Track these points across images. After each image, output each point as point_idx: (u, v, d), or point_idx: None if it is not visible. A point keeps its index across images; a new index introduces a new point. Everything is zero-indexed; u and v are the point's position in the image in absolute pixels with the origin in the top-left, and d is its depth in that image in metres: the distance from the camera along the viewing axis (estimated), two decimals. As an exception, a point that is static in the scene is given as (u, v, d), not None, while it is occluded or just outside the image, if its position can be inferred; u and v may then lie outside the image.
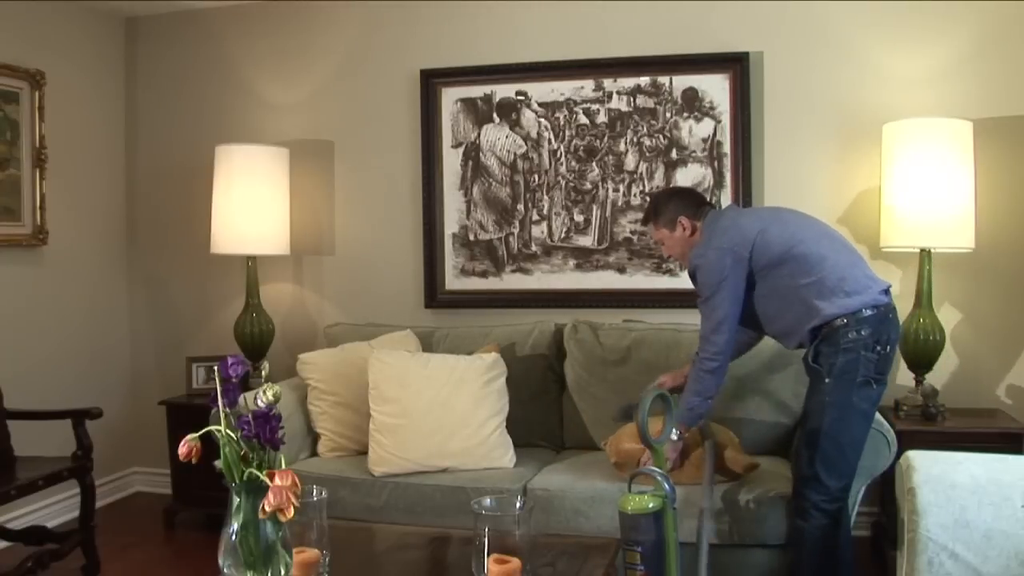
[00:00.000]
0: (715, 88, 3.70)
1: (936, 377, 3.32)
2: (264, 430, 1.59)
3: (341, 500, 3.07)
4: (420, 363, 3.33)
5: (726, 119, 3.70)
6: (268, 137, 4.17)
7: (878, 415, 2.86)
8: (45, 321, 3.99)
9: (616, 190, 3.83)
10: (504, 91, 3.93)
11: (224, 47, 4.32)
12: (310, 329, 4.23)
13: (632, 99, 3.80)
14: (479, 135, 3.98)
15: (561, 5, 3.86)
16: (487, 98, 3.96)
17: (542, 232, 3.93)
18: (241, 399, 1.67)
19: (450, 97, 4.00)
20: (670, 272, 3.78)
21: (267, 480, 1.53)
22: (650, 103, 3.78)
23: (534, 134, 3.92)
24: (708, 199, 3.26)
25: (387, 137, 4.11)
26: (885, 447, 2.76)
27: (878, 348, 2.54)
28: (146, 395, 4.35)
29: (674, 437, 2.76)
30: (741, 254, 2.66)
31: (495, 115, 3.95)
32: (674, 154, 3.76)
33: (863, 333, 2.52)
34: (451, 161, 4.02)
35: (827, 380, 2.54)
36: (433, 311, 4.06)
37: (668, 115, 3.76)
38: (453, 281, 4.05)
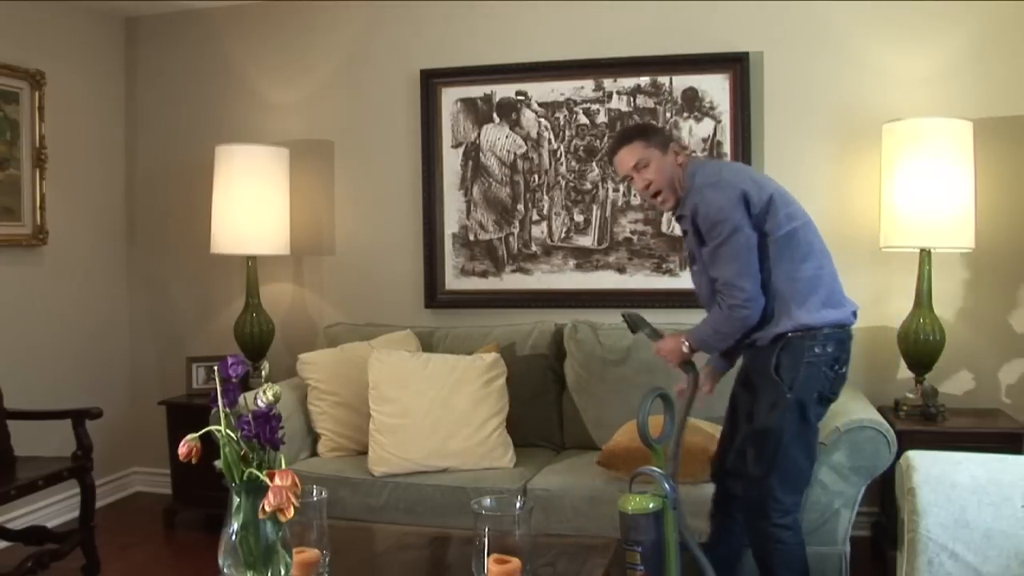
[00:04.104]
0: (715, 88, 3.70)
1: (936, 377, 3.32)
2: (264, 430, 1.59)
3: (341, 500, 3.07)
4: (420, 363, 3.33)
5: (726, 119, 3.69)
6: (268, 137, 4.17)
7: (878, 415, 2.87)
8: (45, 321, 3.99)
9: (616, 190, 3.82)
10: (504, 91, 3.93)
11: (224, 47, 4.32)
12: (310, 329, 4.23)
13: (632, 99, 3.80)
14: (479, 135, 3.98)
15: (561, 5, 3.86)
16: (487, 98, 3.96)
17: (542, 232, 3.93)
18: (241, 399, 1.67)
19: (450, 97, 4.00)
20: (670, 272, 3.78)
21: (267, 480, 1.53)
22: (650, 103, 3.78)
23: (534, 134, 3.92)
24: None
25: (387, 137, 4.11)
26: (885, 447, 2.76)
27: (836, 367, 2.47)
28: (146, 395, 4.35)
29: (685, 349, 2.57)
30: (751, 198, 2.42)
31: (495, 115, 3.95)
32: (674, 154, 3.76)
33: (829, 350, 2.43)
34: (451, 161, 4.02)
35: (788, 395, 2.43)
36: (433, 311, 4.06)
37: (668, 115, 3.76)
38: (453, 281, 4.05)
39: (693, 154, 2.71)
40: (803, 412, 2.45)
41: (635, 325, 2.74)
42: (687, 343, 2.57)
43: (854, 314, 2.53)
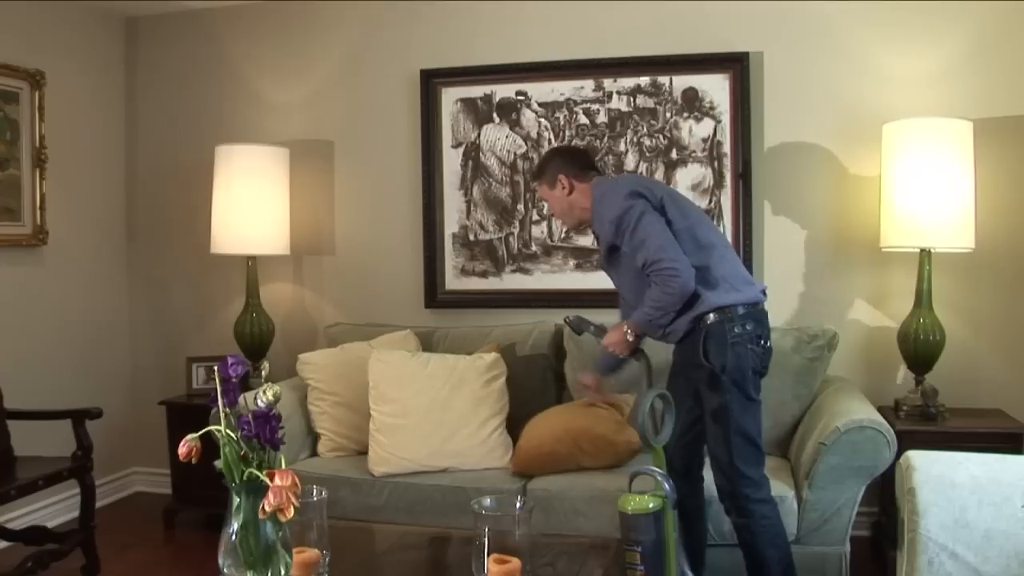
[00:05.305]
0: (715, 88, 3.70)
1: (936, 377, 3.32)
2: (264, 430, 1.59)
3: (341, 500, 3.07)
4: (420, 363, 3.33)
5: (726, 119, 3.69)
6: (268, 137, 4.17)
7: (878, 415, 2.87)
8: (45, 321, 3.99)
9: (616, 190, 3.82)
10: (504, 91, 3.93)
11: (224, 47, 4.32)
12: (310, 329, 4.23)
13: (632, 99, 3.80)
14: (479, 135, 3.98)
15: (561, 5, 3.86)
16: (487, 98, 3.96)
17: (542, 232, 3.93)
18: (241, 399, 1.66)
19: (450, 97, 4.00)
20: (670, 272, 3.78)
21: (267, 480, 1.53)
22: (650, 103, 3.78)
23: (534, 134, 3.92)
24: (597, 165, 3.06)
25: (387, 137, 4.11)
26: (885, 447, 2.76)
27: (761, 342, 2.58)
28: (146, 395, 4.35)
29: (630, 338, 2.67)
30: (646, 195, 2.61)
31: (495, 115, 3.95)
32: (674, 154, 3.76)
33: (748, 328, 2.54)
34: (451, 161, 4.02)
35: (723, 377, 2.53)
36: (433, 311, 4.06)
37: (668, 115, 3.76)
38: (453, 281, 4.05)
39: (596, 174, 2.86)
40: (742, 389, 2.54)
41: (579, 327, 2.84)
42: (630, 330, 2.67)
43: (763, 292, 2.66)
